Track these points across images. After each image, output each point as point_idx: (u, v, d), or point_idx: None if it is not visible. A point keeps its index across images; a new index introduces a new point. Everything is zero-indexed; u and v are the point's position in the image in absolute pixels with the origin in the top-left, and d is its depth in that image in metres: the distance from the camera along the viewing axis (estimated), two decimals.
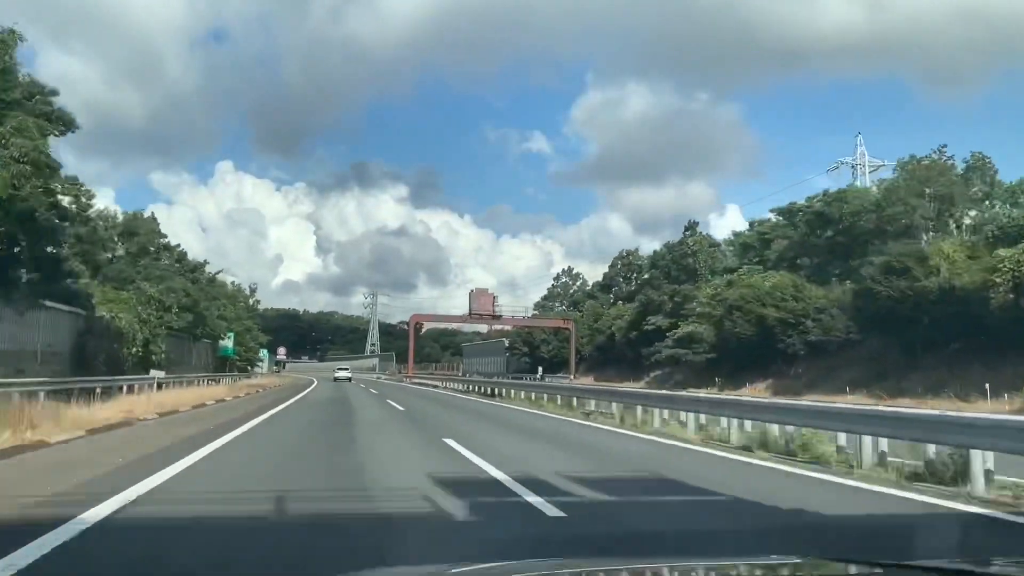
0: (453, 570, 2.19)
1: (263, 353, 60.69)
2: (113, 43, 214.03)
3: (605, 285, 76.17)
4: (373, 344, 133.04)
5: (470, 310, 68.97)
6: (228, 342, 46.56)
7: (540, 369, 67.19)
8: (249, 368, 60.64)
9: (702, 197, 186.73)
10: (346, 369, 67.73)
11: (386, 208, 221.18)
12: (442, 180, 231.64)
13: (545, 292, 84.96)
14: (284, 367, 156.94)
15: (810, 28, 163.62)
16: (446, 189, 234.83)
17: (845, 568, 2.16)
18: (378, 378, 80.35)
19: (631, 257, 73.82)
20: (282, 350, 61.69)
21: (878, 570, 1.98)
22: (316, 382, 59.98)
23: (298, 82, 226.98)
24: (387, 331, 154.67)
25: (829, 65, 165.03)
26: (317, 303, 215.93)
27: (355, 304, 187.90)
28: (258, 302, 66.05)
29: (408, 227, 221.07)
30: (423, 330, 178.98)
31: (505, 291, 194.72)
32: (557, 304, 78.03)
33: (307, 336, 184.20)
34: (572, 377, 60.08)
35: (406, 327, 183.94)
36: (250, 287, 65.93)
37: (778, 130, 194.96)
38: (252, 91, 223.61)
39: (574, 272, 79.81)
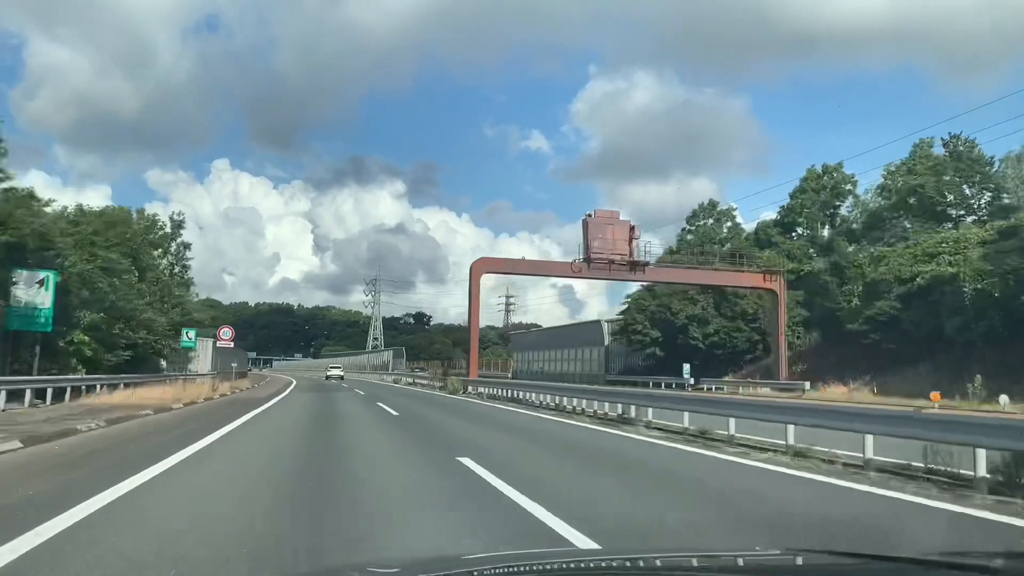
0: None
1: (188, 340, 31.30)
2: (103, 30, 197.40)
3: (786, 224, 46.57)
4: (376, 339, 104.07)
5: (586, 251, 36.38)
6: (31, 293, 17.29)
7: (687, 370, 37.94)
8: (164, 362, 31.57)
9: (705, 193, 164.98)
10: (338, 367, 59.97)
11: (384, 206, 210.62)
12: (440, 175, 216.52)
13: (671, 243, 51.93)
14: (269, 365, 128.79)
15: (825, 15, 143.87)
16: (444, 184, 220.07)
17: (826, 559, 2.11)
18: (395, 381, 50.14)
19: (835, 175, 44.35)
20: (228, 332, 31.39)
21: (860, 561, 1.99)
22: (286, 392, 31.06)
23: (295, 73, 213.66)
24: (390, 325, 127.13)
25: (842, 56, 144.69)
26: (314, 301, 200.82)
27: (353, 303, 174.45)
28: (187, 246, 36.73)
29: (406, 224, 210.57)
30: (428, 324, 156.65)
31: (501, 289, 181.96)
32: (697, 258, 48.01)
33: (301, 332, 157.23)
34: (801, 391, 30.70)
35: (411, 322, 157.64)
36: (172, 217, 36.75)
37: (786, 124, 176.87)
38: (248, 83, 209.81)
39: (720, 208, 50.50)
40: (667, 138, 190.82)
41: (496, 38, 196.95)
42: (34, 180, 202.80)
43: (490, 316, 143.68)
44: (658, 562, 2.27)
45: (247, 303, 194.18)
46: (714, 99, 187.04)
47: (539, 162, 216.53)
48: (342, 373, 56.53)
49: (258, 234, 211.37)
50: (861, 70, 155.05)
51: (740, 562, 2.18)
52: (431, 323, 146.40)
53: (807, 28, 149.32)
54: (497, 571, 1.96)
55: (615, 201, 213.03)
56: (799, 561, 2.12)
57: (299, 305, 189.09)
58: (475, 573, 1.96)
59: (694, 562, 2.31)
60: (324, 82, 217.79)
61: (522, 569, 2.02)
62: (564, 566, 2.12)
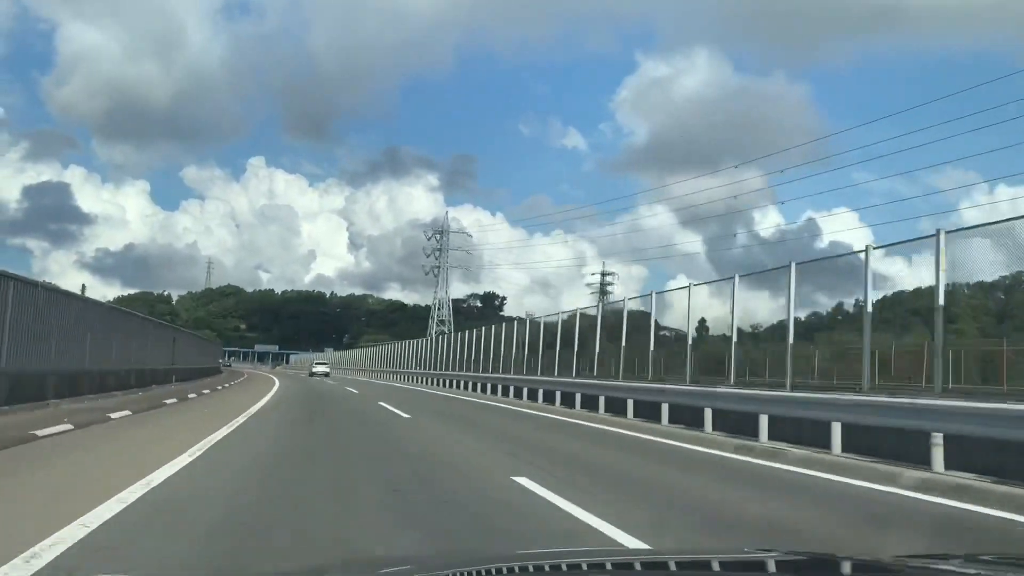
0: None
1: None
2: (134, 13, 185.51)
3: None
4: (442, 322, 74.94)
5: None
6: None
7: None
8: None
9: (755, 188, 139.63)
10: (324, 363, 60.02)
11: (419, 202, 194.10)
12: (477, 167, 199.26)
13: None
14: (284, 361, 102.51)
15: None
16: (481, 177, 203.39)
17: (823, 564, 2.04)
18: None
19: None
20: None
21: (859, 566, 1.98)
22: None
23: (329, 57, 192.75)
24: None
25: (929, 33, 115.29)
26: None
27: (389, 297, 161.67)
28: None
29: (440, 221, 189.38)
30: (502, 308, 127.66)
31: (537, 291, 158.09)
32: None
33: (334, 323, 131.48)
34: None
35: (478, 305, 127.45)
36: None
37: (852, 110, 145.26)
38: (281, 69, 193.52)
39: None
40: (722, 125, 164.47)
41: (545, 9, 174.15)
42: (73, 175, 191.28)
43: (575, 299, 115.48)
44: (636, 563, 2.20)
45: (273, 291, 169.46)
46: (776, 81, 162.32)
47: (583, 155, 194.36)
48: (328, 369, 57.03)
49: (294, 231, 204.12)
50: (948, 49, 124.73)
51: (721, 562, 2.11)
52: (504, 307, 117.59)
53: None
54: (498, 570, 1.96)
55: (663, 195, 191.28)
56: (779, 563, 2.01)
57: (332, 293, 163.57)
58: (477, 572, 1.96)
59: (674, 565, 2.13)
60: (360, 65, 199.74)
61: (523, 569, 2.00)
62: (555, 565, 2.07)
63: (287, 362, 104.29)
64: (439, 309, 76.54)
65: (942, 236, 9.01)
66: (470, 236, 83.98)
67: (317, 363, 60.41)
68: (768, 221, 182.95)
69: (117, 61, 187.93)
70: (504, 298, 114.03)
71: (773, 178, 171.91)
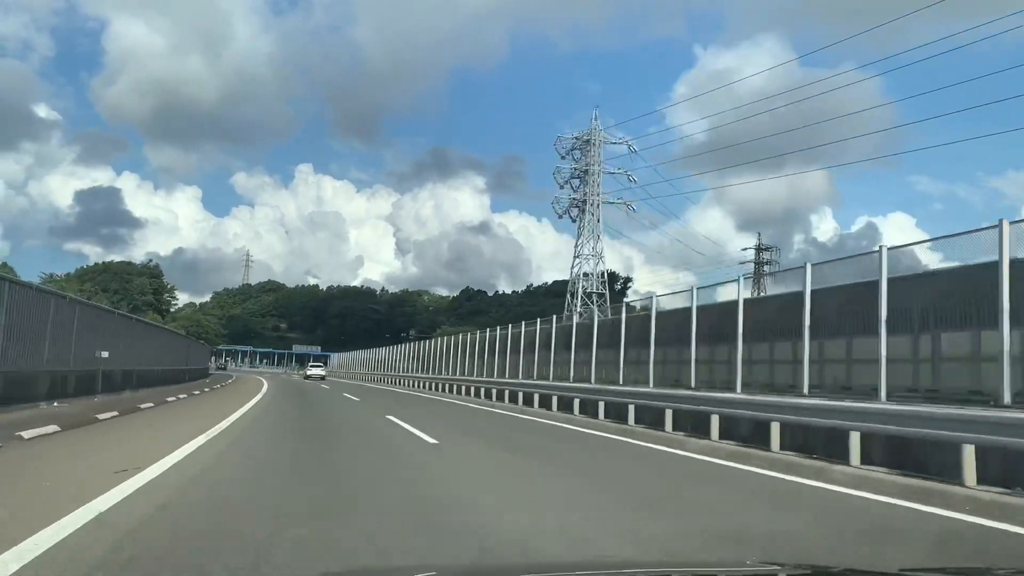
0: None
1: None
2: (181, 12, 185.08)
3: None
4: (589, 295, 47.08)
5: None
6: None
7: None
8: None
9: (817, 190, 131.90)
10: (320, 367, 59.71)
11: (466, 206, 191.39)
12: (527, 168, 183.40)
13: None
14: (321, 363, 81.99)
15: None
16: (531, 179, 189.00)
17: None
18: None
19: None
20: None
21: None
22: None
23: (378, 52, 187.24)
24: (561, 290, 74.25)
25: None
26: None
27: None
28: None
29: (489, 224, 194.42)
30: (627, 290, 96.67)
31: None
32: None
33: (386, 321, 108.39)
34: None
35: (597, 292, 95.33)
36: None
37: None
38: (328, 66, 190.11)
39: None
40: (787, 119, 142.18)
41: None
42: (127, 183, 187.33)
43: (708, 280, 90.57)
44: None
45: (317, 286, 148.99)
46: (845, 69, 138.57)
47: (635, 154, 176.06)
48: (324, 373, 56.14)
49: (341, 237, 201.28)
50: None
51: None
52: (629, 287, 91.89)
53: None
54: None
55: (723, 198, 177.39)
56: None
57: (383, 290, 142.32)
58: None
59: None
60: (409, 60, 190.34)
61: None
62: None
63: (326, 363, 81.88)
64: (582, 279, 47.15)
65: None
66: (634, 151, 53.85)
67: (312, 366, 60.30)
68: (826, 225, 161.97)
69: (165, 60, 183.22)
70: (628, 279, 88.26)
71: (840, 179, 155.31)
